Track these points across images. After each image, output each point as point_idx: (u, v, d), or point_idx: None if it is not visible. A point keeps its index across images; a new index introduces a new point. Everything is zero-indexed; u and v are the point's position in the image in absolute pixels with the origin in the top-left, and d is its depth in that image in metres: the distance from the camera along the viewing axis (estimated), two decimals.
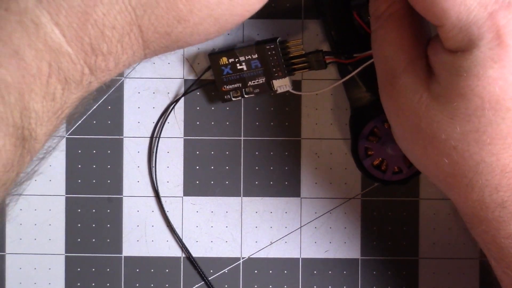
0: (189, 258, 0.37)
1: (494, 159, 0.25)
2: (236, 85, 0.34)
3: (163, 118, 0.36)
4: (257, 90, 0.34)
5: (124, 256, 0.37)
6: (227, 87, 0.34)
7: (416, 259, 0.36)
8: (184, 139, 0.36)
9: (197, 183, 0.37)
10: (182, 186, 0.37)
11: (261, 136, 0.36)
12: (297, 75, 0.36)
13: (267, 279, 0.37)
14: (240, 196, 0.37)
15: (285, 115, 0.36)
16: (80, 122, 0.36)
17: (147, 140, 0.37)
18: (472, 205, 0.26)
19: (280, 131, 0.36)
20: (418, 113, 0.27)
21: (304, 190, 0.36)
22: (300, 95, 0.36)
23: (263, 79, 0.34)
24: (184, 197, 0.37)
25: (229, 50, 0.34)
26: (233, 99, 0.35)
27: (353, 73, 0.33)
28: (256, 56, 0.34)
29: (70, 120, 0.34)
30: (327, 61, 0.34)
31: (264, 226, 0.37)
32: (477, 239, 0.29)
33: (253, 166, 0.36)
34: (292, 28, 0.36)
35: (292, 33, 0.36)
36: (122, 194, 0.37)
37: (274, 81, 0.34)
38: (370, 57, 0.31)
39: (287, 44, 0.34)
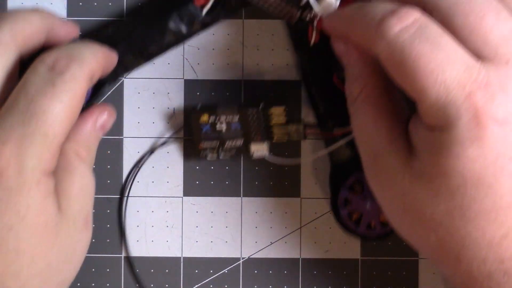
0: (127, 258, 0.37)
1: (480, 233, 0.25)
2: (213, 144, 0.35)
3: (133, 172, 0.36)
4: (233, 152, 0.35)
5: (124, 256, 0.37)
6: (204, 144, 0.35)
7: (416, 259, 0.36)
8: (184, 139, 0.36)
9: (197, 183, 0.37)
10: (182, 186, 0.37)
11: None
12: None
13: (267, 279, 0.37)
14: (240, 196, 0.37)
15: None
16: None
17: (147, 140, 0.36)
18: (461, 276, 0.27)
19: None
20: (403, 191, 0.27)
21: (304, 190, 0.36)
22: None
23: (241, 141, 0.34)
24: (184, 197, 0.37)
25: (212, 109, 0.34)
26: (208, 158, 0.35)
27: (338, 144, 0.34)
28: (237, 118, 0.34)
29: None
30: (308, 134, 0.35)
31: (264, 226, 0.37)
32: None
33: (253, 166, 0.36)
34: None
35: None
36: (122, 194, 0.37)
37: (252, 145, 0.34)
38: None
39: (270, 111, 0.34)
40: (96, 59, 0.30)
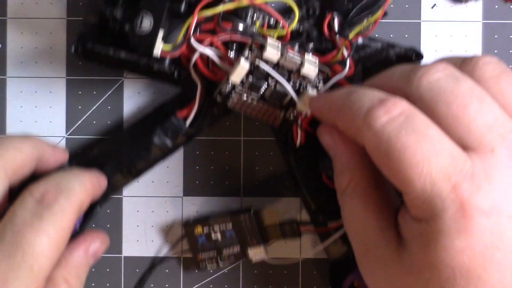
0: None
1: None
2: (211, 254, 0.35)
3: None
4: (232, 259, 0.35)
5: (124, 256, 0.37)
6: (202, 255, 0.35)
7: None
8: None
9: (197, 183, 0.37)
10: (182, 186, 0.37)
11: (261, 136, 0.36)
12: None
13: (267, 279, 0.37)
14: (240, 196, 0.37)
15: None
16: (80, 122, 0.36)
17: None
18: None
19: None
20: (395, 284, 0.27)
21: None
22: None
23: (238, 248, 0.35)
24: (184, 197, 0.37)
25: (204, 220, 0.35)
26: (208, 268, 0.35)
27: (333, 238, 0.34)
28: (230, 226, 0.35)
29: None
30: (304, 231, 0.35)
31: None
32: None
33: (253, 166, 0.36)
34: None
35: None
36: (122, 194, 0.37)
37: (249, 250, 0.35)
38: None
39: (262, 214, 0.35)
40: (84, 190, 0.30)
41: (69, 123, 0.36)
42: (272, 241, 0.35)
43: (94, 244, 0.33)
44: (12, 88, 0.36)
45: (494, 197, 0.24)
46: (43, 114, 0.36)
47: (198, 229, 0.35)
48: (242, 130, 0.36)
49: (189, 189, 0.37)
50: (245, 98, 0.32)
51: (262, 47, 0.31)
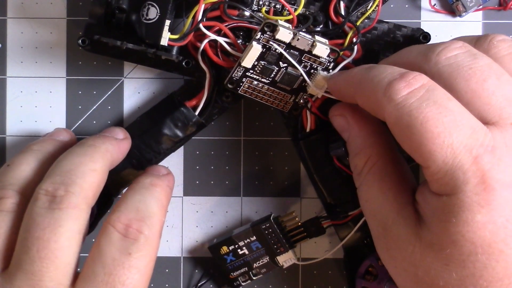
0: None
1: None
2: (242, 270, 0.35)
3: None
4: (264, 270, 0.35)
5: None
6: (234, 274, 0.35)
7: None
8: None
9: (197, 183, 0.37)
10: (182, 186, 0.37)
11: (261, 136, 0.36)
12: None
13: (267, 279, 0.36)
14: (240, 196, 0.37)
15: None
16: (80, 122, 0.36)
17: None
18: None
19: (280, 131, 0.36)
20: (414, 262, 0.27)
21: (304, 190, 0.36)
22: None
23: (267, 258, 0.35)
24: (184, 197, 0.37)
25: (227, 239, 0.35)
26: (243, 284, 0.35)
27: (353, 231, 0.34)
28: (254, 238, 0.34)
29: None
30: (325, 226, 0.34)
31: None
32: None
33: (253, 166, 0.36)
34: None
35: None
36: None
37: (278, 257, 0.35)
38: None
39: (282, 219, 0.35)
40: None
41: (69, 123, 0.36)
42: (298, 244, 0.35)
43: None
44: (12, 88, 0.36)
45: None
46: (43, 114, 0.36)
47: (224, 249, 0.35)
48: (242, 130, 0.36)
49: (189, 189, 0.37)
50: (256, 83, 0.32)
51: (274, 29, 0.31)
